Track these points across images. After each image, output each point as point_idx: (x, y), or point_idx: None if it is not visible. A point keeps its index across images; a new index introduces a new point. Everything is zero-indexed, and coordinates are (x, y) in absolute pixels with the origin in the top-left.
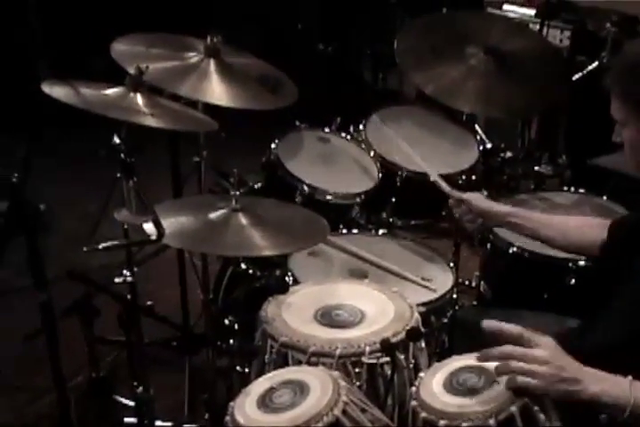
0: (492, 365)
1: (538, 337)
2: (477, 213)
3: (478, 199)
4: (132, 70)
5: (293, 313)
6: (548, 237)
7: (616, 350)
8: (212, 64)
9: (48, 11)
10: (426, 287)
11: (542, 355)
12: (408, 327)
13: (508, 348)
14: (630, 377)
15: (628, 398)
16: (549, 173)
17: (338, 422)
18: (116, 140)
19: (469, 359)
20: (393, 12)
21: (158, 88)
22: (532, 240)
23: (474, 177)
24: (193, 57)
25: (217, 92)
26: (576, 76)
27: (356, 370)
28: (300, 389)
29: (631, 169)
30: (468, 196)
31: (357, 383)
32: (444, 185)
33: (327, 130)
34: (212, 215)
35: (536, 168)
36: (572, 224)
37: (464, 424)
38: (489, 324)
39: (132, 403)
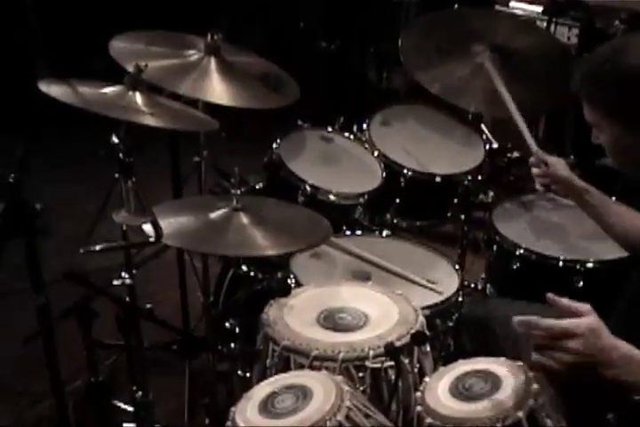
0: (498, 369)
1: (581, 326)
2: (556, 179)
3: (562, 166)
4: (130, 68)
5: (295, 316)
6: (613, 226)
7: None
8: (212, 62)
9: (47, 10)
10: (432, 290)
11: (579, 347)
12: (413, 331)
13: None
14: None
15: None
16: None
17: None
18: (115, 139)
19: (476, 364)
20: (397, 10)
21: (158, 87)
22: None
23: (480, 177)
24: (193, 55)
25: (217, 90)
26: None
27: (360, 374)
28: (303, 393)
29: (625, 171)
30: (552, 160)
31: (361, 388)
32: (530, 139)
33: (330, 129)
34: (213, 215)
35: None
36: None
37: None
38: (521, 320)
39: (130, 408)
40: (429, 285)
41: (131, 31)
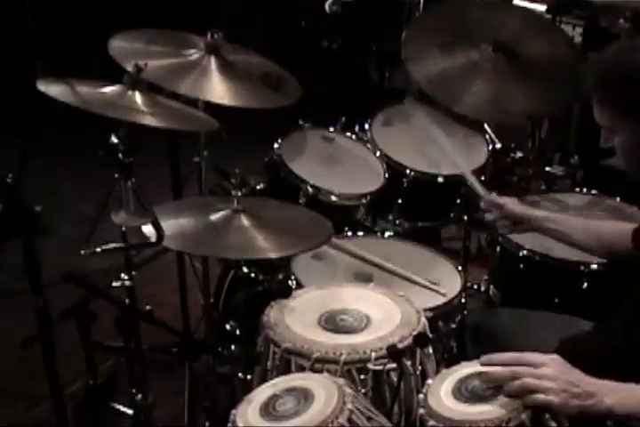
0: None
1: (541, 356)
2: (512, 217)
3: (513, 204)
4: (130, 68)
5: (297, 318)
6: (583, 242)
7: (628, 352)
8: (212, 61)
9: (45, 9)
10: (435, 291)
11: (550, 372)
12: (415, 333)
13: (514, 354)
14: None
15: None
16: (561, 174)
17: None
18: (114, 139)
19: (479, 366)
20: (400, 8)
21: (157, 86)
22: (567, 246)
23: (483, 178)
24: (193, 54)
25: (218, 90)
26: None
27: (362, 377)
28: (304, 396)
29: (634, 174)
30: (503, 200)
31: (363, 391)
32: (479, 187)
33: (331, 129)
34: (213, 217)
35: (547, 169)
36: (606, 230)
37: None
38: (485, 361)
39: (130, 411)
40: (433, 286)
41: (130, 30)
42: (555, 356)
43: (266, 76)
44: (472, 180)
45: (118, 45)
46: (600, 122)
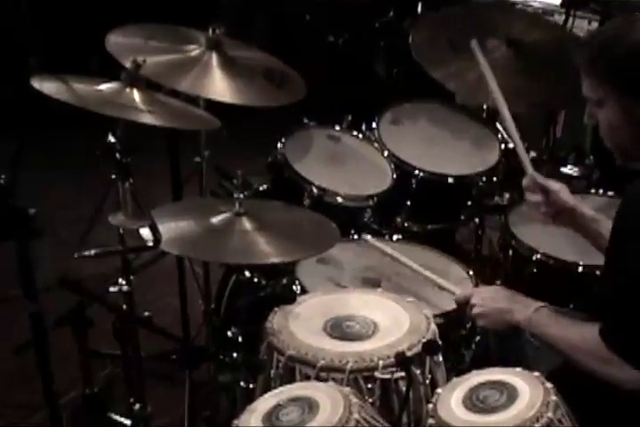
0: (514, 380)
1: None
2: (558, 207)
3: (566, 193)
4: (127, 64)
5: (301, 325)
6: None
7: None
8: (213, 57)
9: (41, 4)
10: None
11: (485, 295)
12: (424, 340)
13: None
14: (543, 304)
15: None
16: (576, 175)
17: None
18: (112, 138)
19: (490, 374)
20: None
21: (156, 83)
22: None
23: (495, 178)
24: (193, 50)
25: (219, 87)
26: None
27: (369, 386)
28: (309, 406)
29: (613, 152)
30: (555, 186)
31: (370, 400)
32: (527, 162)
33: (337, 128)
34: (214, 220)
35: (562, 169)
36: None
37: None
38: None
39: (128, 421)
40: (453, 287)
41: (128, 25)
42: (493, 287)
43: (269, 73)
44: (522, 151)
45: (116, 41)
46: (588, 95)
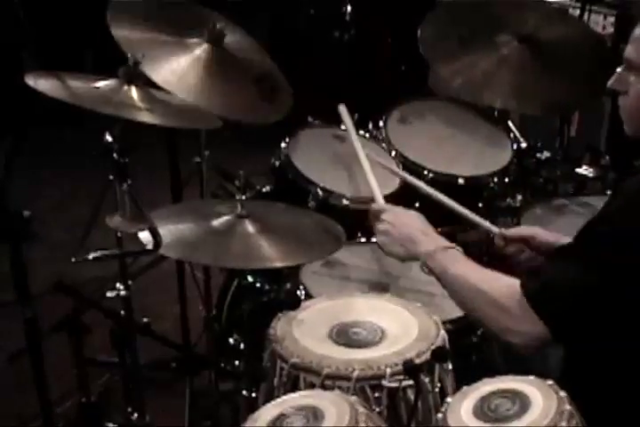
0: (527, 389)
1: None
2: (542, 249)
3: (541, 233)
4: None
5: (306, 331)
6: None
7: None
8: (211, 52)
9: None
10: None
11: (391, 219)
12: (433, 347)
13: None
14: (452, 245)
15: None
16: (591, 176)
17: None
18: (109, 138)
19: (502, 383)
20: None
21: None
22: None
23: (507, 179)
24: (195, 45)
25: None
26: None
27: (376, 394)
28: (314, 415)
29: (630, 128)
30: (526, 231)
31: (377, 409)
32: (491, 226)
33: (343, 127)
34: (216, 222)
35: (576, 170)
36: None
37: None
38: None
39: None
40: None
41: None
42: (412, 212)
43: (261, 80)
44: (475, 217)
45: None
46: (635, 59)
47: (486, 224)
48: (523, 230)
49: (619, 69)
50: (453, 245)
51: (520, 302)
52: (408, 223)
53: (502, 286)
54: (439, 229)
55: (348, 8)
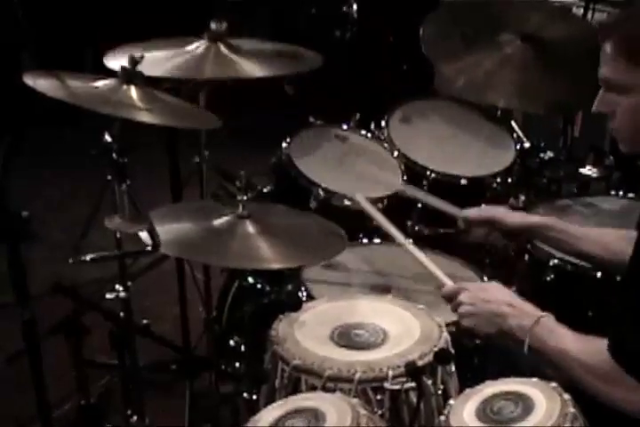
0: (530, 391)
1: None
2: (508, 231)
3: (506, 214)
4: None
5: (307, 333)
6: (589, 252)
7: None
8: (221, 47)
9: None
10: None
11: (470, 295)
12: (436, 349)
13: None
14: (543, 314)
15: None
16: (595, 176)
17: None
18: (108, 138)
19: (505, 385)
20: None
21: (154, 80)
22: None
23: (510, 180)
24: (195, 45)
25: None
26: None
27: (378, 397)
28: (315, 418)
29: (628, 147)
30: (491, 212)
31: (379, 412)
32: (453, 209)
33: (345, 127)
34: (216, 222)
35: (580, 170)
36: (611, 237)
37: None
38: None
39: None
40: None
41: (127, 22)
42: (489, 284)
43: (281, 53)
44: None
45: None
46: (611, 78)
47: (450, 208)
48: (485, 212)
49: (600, 93)
50: (545, 313)
51: (615, 368)
52: (489, 299)
53: (595, 352)
54: (442, 231)
55: (354, 7)
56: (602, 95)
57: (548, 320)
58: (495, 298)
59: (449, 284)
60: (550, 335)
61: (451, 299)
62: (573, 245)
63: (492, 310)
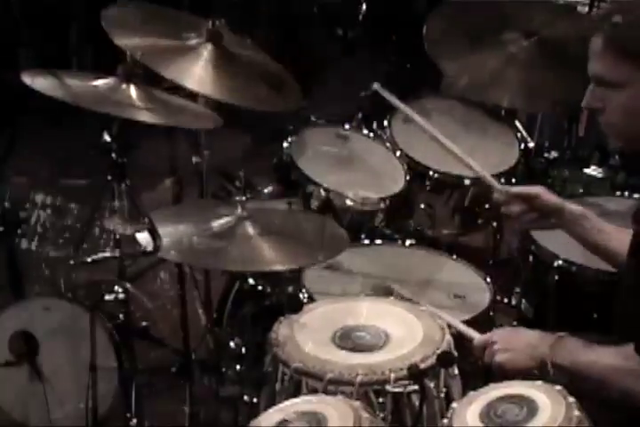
0: (535, 394)
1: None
2: (545, 210)
3: (546, 194)
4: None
5: (308, 335)
6: (615, 248)
7: None
8: (211, 50)
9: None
10: None
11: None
12: (439, 351)
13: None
14: (562, 334)
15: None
16: (600, 176)
17: None
18: (107, 137)
19: (509, 388)
20: None
21: (154, 79)
22: (591, 253)
23: (514, 180)
24: (192, 39)
25: (210, 81)
26: None
27: (380, 400)
28: (317, 421)
29: (618, 141)
30: (533, 190)
31: (381, 415)
32: (493, 181)
33: (347, 126)
34: (216, 223)
35: (585, 170)
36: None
37: None
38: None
39: None
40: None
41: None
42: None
43: (266, 75)
44: (484, 173)
45: (112, 15)
46: (602, 75)
47: (489, 178)
48: (527, 188)
49: (589, 88)
50: (560, 333)
51: None
52: (517, 337)
53: (629, 355)
54: (445, 232)
55: (363, 7)
56: (591, 90)
57: (569, 337)
58: (519, 335)
59: (477, 336)
60: (576, 350)
61: (483, 350)
62: (601, 239)
63: (523, 346)
